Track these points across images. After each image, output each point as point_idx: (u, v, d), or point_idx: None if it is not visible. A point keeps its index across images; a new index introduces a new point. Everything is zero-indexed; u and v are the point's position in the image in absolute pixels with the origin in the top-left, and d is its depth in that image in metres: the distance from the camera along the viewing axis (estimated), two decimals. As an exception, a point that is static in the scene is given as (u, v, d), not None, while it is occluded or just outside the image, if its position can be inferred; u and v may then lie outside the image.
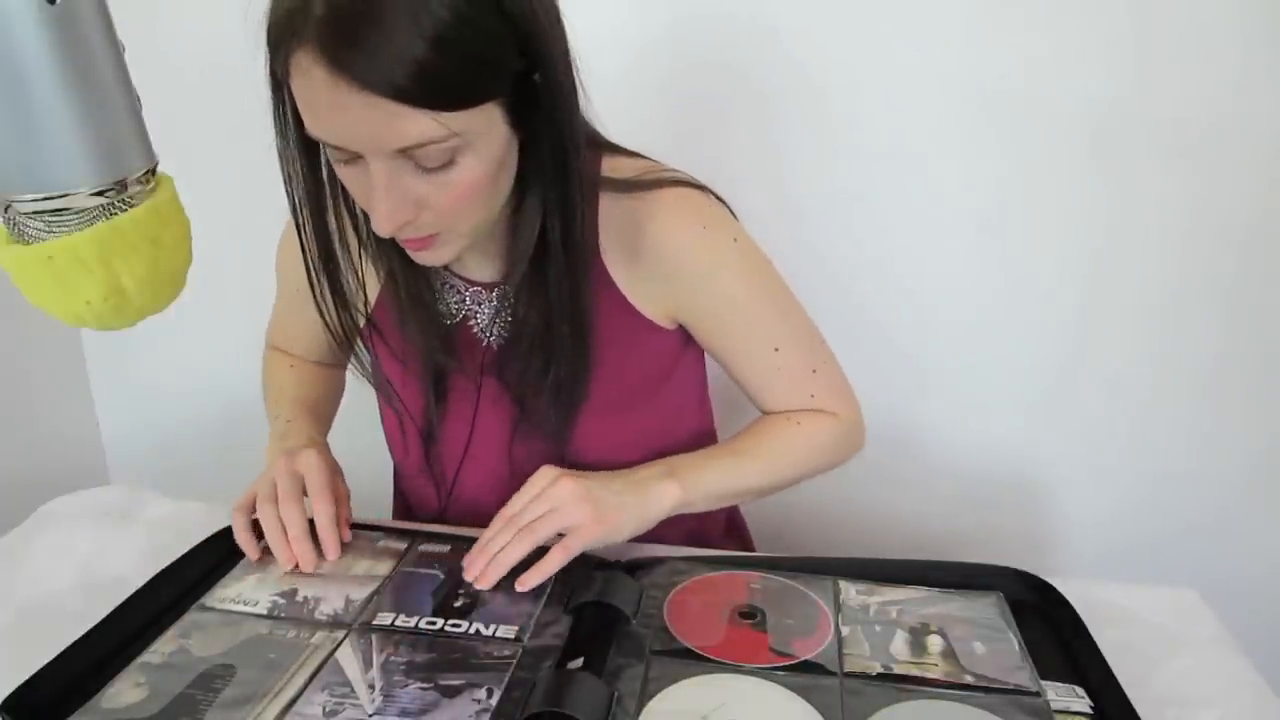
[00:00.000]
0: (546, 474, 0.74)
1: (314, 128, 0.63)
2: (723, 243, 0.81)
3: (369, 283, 0.82)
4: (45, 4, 0.40)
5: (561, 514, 0.71)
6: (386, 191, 0.63)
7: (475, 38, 0.59)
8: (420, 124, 0.60)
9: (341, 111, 0.59)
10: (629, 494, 0.74)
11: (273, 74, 0.64)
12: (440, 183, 0.64)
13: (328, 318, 0.79)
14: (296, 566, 0.74)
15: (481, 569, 0.71)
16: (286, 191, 0.72)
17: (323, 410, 0.96)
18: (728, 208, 0.83)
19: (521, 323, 0.78)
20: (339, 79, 0.58)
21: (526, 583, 0.70)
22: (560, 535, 0.71)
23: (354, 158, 0.64)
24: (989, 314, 1.29)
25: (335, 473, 0.82)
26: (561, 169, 0.69)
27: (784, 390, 0.85)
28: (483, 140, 0.64)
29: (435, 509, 0.91)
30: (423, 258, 0.72)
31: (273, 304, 0.99)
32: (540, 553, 0.71)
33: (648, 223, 0.78)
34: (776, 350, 0.83)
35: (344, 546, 0.77)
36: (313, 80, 0.59)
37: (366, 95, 0.58)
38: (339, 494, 0.80)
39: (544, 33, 0.63)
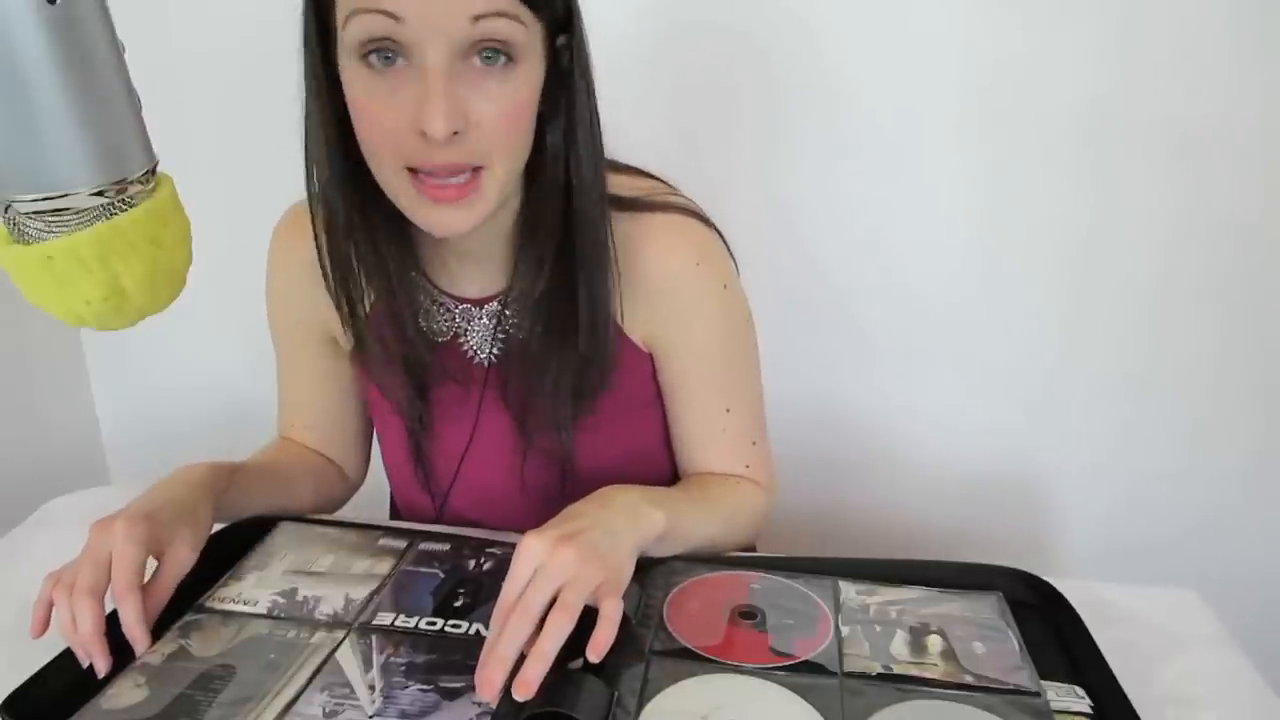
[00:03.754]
0: (537, 545, 0.59)
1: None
2: (712, 284, 0.80)
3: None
4: (45, 4, 0.40)
5: (578, 585, 0.58)
6: (446, 87, 0.62)
7: None
8: None
9: None
10: (622, 522, 0.65)
11: None
12: (493, 94, 0.64)
13: (336, 294, 0.77)
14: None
15: (498, 678, 0.56)
16: (305, 129, 0.71)
17: (254, 474, 0.82)
18: (728, 248, 0.82)
19: (527, 338, 0.77)
20: None
21: (599, 650, 0.57)
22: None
23: (399, 58, 0.62)
24: (986, 312, 1.29)
25: (155, 546, 0.66)
26: (590, 145, 0.71)
27: (724, 453, 0.84)
28: (530, 61, 0.65)
29: (430, 521, 0.90)
30: (453, 217, 0.68)
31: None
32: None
33: (644, 245, 0.77)
34: (728, 411, 0.82)
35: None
36: None
37: None
38: (159, 586, 0.66)
39: None
